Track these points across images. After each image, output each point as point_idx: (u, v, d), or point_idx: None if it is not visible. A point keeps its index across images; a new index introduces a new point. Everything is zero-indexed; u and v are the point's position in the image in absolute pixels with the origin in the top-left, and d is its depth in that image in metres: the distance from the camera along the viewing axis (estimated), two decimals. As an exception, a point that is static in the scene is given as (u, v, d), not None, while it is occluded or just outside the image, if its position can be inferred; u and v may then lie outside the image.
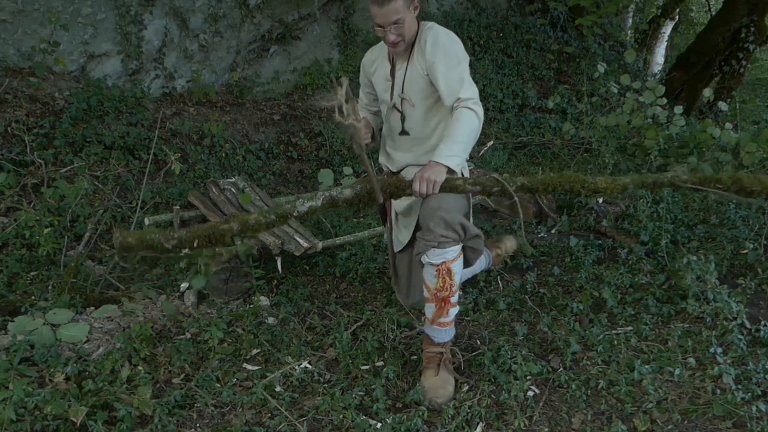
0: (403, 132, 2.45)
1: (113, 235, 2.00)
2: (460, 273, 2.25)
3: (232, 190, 3.78)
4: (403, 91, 2.37)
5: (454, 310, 2.29)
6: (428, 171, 2.13)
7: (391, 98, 2.43)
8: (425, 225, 2.20)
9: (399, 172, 2.52)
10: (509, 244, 3.16)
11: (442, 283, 2.19)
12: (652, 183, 2.21)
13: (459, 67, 2.22)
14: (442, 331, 2.32)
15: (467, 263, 2.30)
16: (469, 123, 2.17)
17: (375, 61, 2.51)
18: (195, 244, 1.96)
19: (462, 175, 2.38)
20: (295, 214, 2.08)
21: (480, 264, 2.98)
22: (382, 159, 2.63)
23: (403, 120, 2.43)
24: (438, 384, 2.26)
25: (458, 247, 2.19)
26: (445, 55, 2.22)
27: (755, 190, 2.17)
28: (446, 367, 2.33)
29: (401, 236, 2.55)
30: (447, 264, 2.17)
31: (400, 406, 2.24)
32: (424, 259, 2.20)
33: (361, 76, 2.60)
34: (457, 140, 2.16)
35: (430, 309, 2.29)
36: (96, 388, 2.23)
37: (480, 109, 2.21)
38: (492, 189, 2.18)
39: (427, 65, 2.25)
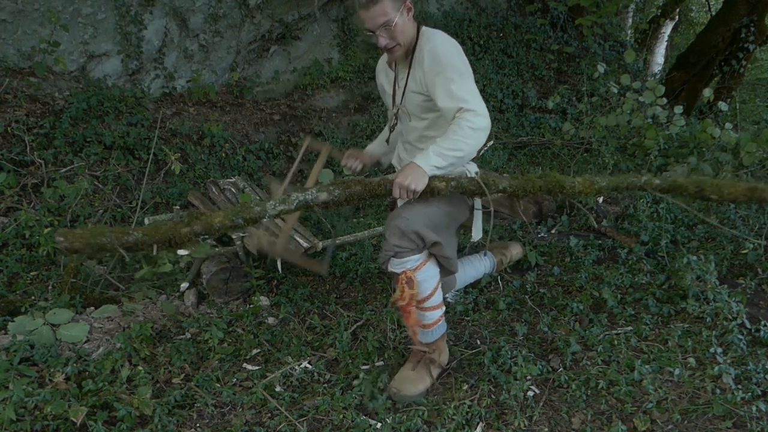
0: (405, 142, 2.43)
1: (56, 237, 1.78)
2: (430, 280, 2.23)
3: (232, 190, 3.78)
4: (402, 103, 2.31)
5: (432, 314, 2.29)
6: (409, 176, 2.02)
7: (393, 105, 2.39)
8: (384, 233, 2.19)
9: None
10: (515, 252, 3.15)
11: (400, 292, 2.18)
12: (626, 186, 2.19)
13: (460, 81, 2.08)
14: (425, 332, 2.33)
15: (447, 270, 2.28)
16: (464, 137, 2.03)
17: (382, 67, 2.45)
18: (154, 250, 1.83)
19: (466, 174, 2.34)
20: (265, 218, 2.00)
21: (484, 268, 2.98)
22: (394, 161, 2.59)
23: (402, 131, 2.41)
24: (409, 378, 2.28)
25: (419, 256, 2.16)
26: (444, 70, 2.08)
27: (713, 197, 2.18)
28: (426, 366, 2.34)
29: None
30: (408, 273, 2.16)
31: (400, 406, 2.24)
32: (388, 267, 2.20)
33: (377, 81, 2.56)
34: (445, 152, 2.05)
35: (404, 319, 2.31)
36: (96, 388, 2.23)
37: (480, 122, 2.05)
38: (472, 191, 2.12)
39: (426, 82, 2.14)
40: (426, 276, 2.21)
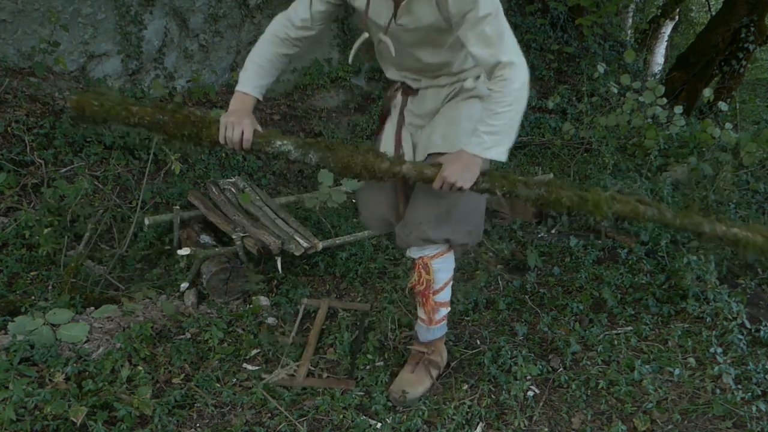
0: (402, 68, 2.09)
1: (67, 102, 1.87)
2: (446, 271, 2.20)
3: (232, 190, 3.77)
4: (411, 46, 1.93)
5: (442, 311, 2.28)
6: (459, 171, 1.79)
7: (386, 30, 1.94)
8: (408, 225, 2.06)
9: (419, 90, 2.12)
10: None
11: (417, 277, 2.17)
12: (685, 226, 2.09)
13: (493, 19, 1.76)
14: (428, 330, 2.32)
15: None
16: (513, 105, 1.79)
17: None
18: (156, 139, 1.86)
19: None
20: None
21: None
22: (391, 75, 2.21)
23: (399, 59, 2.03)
24: (409, 381, 2.27)
25: (440, 246, 2.11)
26: (475, 6, 1.74)
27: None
28: (425, 367, 2.33)
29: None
30: (425, 259, 2.13)
31: (400, 407, 2.24)
32: (407, 252, 2.19)
33: None
34: (501, 130, 1.81)
35: (419, 306, 2.31)
36: (96, 388, 2.23)
37: (522, 75, 1.79)
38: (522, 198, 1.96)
39: (453, 22, 1.81)
40: (442, 266, 2.18)
